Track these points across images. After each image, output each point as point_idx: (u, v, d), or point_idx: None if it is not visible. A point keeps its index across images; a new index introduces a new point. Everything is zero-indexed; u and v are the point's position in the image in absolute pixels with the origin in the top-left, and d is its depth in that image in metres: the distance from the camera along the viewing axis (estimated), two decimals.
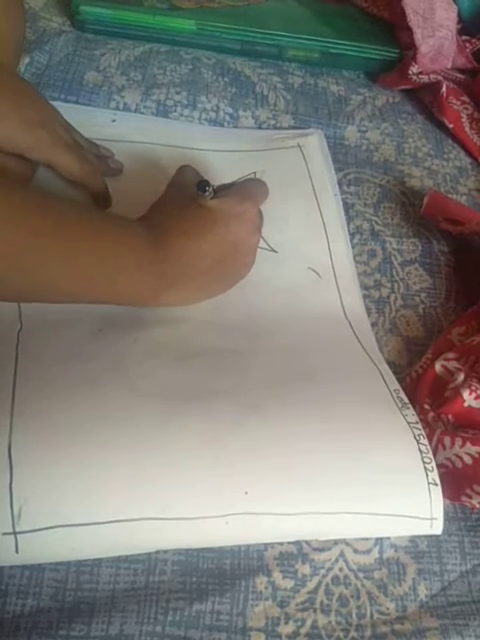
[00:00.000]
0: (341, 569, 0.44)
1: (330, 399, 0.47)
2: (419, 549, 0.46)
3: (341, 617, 0.42)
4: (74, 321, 0.46)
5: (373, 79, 0.76)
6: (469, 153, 0.72)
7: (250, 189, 0.50)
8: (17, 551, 0.36)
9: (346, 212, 0.63)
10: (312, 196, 0.61)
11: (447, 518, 0.45)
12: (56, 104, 0.53)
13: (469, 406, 0.49)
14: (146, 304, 0.46)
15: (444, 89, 0.72)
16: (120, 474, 0.39)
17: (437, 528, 0.43)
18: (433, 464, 0.45)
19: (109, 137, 0.58)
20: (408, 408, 0.48)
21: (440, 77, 0.74)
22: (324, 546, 0.44)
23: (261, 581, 0.42)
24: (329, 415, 0.45)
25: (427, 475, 0.44)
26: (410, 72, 0.71)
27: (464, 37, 0.76)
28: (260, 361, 0.48)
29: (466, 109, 0.74)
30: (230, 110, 0.66)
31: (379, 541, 0.45)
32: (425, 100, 0.75)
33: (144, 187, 0.52)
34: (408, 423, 0.46)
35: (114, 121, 0.61)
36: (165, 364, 0.46)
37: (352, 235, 0.61)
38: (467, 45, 0.76)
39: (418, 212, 0.64)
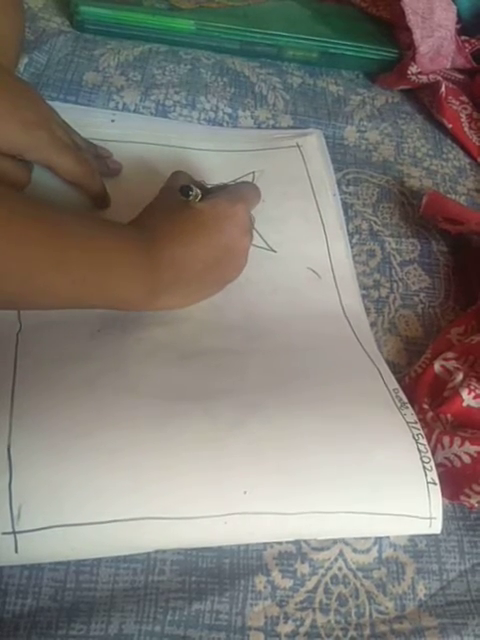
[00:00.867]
0: (340, 568, 0.44)
1: (329, 399, 0.47)
2: (418, 548, 0.46)
3: (340, 616, 0.42)
4: (73, 322, 0.46)
5: (372, 79, 0.76)
6: (468, 153, 0.72)
7: (241, 191, 0.50)
8: (16, 551, 0.37)
9: (345, 212, 0.63)
10: (311, 196, 0.61)
11: (446, 517, 0.45)
12: (55, 104, 0.53)
13: (468, 406, 0.49)
14: (142, 309, 0.46)
15: (443, 89, 0.72)
16: (119, 474, 0.39)
17: (436, 527, 0.44)
18: (432, 463, 0.45)
19: (108, 137, 0.58)
20: (407, 408, 0.48)
21: (439, 77, 0.74)
22: (323, 545, 0.44)
23: (260, 580, 0.42)
24: (328, 415, 0.45)
25: (426, 474, 0.44)
26: (409, 72, 0.72)
27: (463, 37, 0.76)
28: (259, 361, 0.48)
29: (465, 109, 0.74)
30: (229, 110, 0.66)
31: (378, 540, 0.46)
32: (424, 100, 0.75)
33: (142, 187, 0.52)
34: (407, 423, 0.46)
35: (113, 121, 0.61)
36: (165, 364, 0.46)
37: (351, 235, 0.62)
38: (466, 45, 0.76)
39: (417, 212, 0.64)
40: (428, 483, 0.44)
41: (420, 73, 0.72)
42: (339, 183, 0.65)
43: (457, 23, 0.74)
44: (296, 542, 0.44)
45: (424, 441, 0.46)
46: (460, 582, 0.46)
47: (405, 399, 0.49)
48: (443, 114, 0.72)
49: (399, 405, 0.48)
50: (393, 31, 0.75)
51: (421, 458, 0.44)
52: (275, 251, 0.56)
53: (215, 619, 0.41)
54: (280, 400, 0.45)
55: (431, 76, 0.73)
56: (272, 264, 0.55)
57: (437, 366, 0.52)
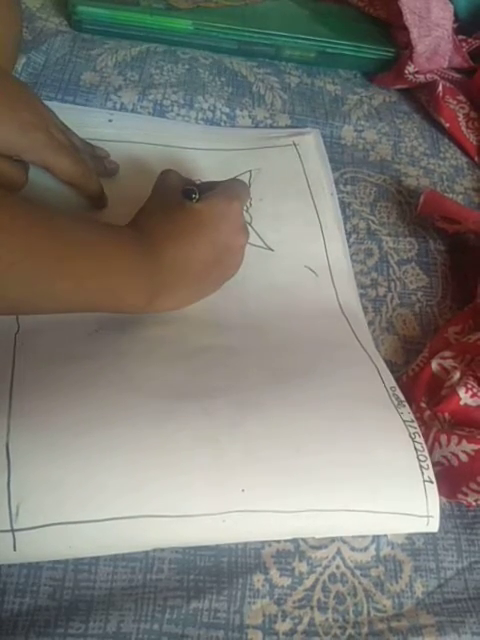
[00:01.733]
0: (338, 567, 0.44)
1: (327, 397, 0.47)
2: (416, 547, 0.46)
3: (338, 614, 0.43)
4: (71, 322, 0.46)
5: (370, 79, 0.76)
6: (465, 152, 0.72)
7: (235, 189, 0.50)
8: (15, 549, 0.37)
9: (343, 211, 0.63)
10: (308, 194, 0.61)
11: (443, 516, 0.45)
12: (53, 104, 0.53)
13: (465, 404, 0.49)
14: (143, 312, 0.46)
15: (440, 88, 0.72)
16: (118, 472, 0.39)
17: (433, 526, 0.44)
18: (428, 462, 0.45)
19: (105, 137, 0.58)
20: (404, 406, 0.48)
21: (436, 76, 0.74)
22: (321, 544, 0.44)
23: (258, 579, 0.42)
24: (326, 413, 0.46)
25: (422, 473, 0.44)
26: (406, 71, 0.72)
27: (460, 36, 0.77)
28: (257, 359, 0.48)
29: (462, 108, 0.74)
30: (227, 110, 0.67)
31: (376, 539, 0.46)
32: (421, 99, 0.75)
33: (140, 187, 0.52)
34: (404, 421, 0.46)
35: (111, 121, 0.61)
36: (163, 362, 0.46)
37: (349, 234, 0.62)
38: (463, 44, 0.77)
39: (414, 211, 0.64)
40: (425, 482, 0.44)
41: (417, 72, 0.72)
42: (337, 182, 0.65)
43: (454, 22, 0.74)
44: (294, 540, 0.44)
45: (421, 440, 0.46)
46: (458, 580, 0.46)
47: (402, 397, 0.49)
48: (440, 113, 0.72)
49: (396, 403, 0.48)
50: (390, 30, 0.75)
51: (417, 457, 0.45)
52: (272, 250, 0.56)
53: (213, 617, 0.41)
54: (278, 399, 0.46)
55: (428, 75, 0.73)
56: (269, 263, 0.55)
57: (434, 365, 0.52)
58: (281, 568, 0.43)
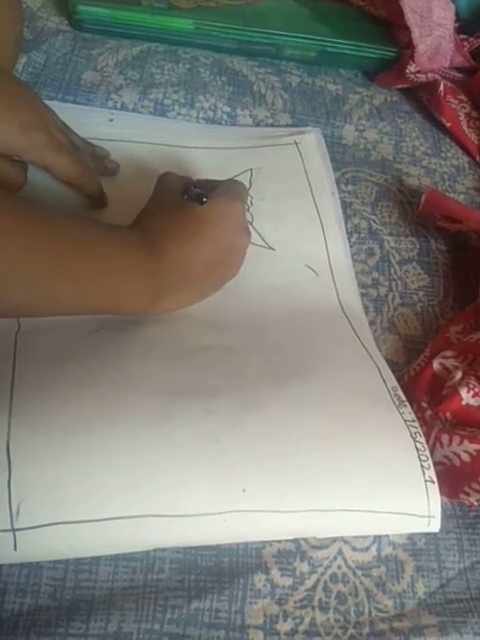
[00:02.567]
0: (339, 567, 0.44)
1: (328, 396, 0.47)
2: (417, 547, 0.46)
3: (339, 615, 0.42)
4: (72, 322, 0.46)
5: (371, 78, 0.76)
6: (467, 152, 0.72)
7: (236, 190, 0.50)
8: (15, 548, 0.37)
9: (344, 211, 0.63)
10: (308, 194, 0.61)
11: (445, 516, 0.45)
12: (53, 104, 0.53)
13: (467, 404, 0.49)
14: (145, 314, 0.46)
15: (442, 88, 0.72)
16: (119, 471, 0.39)
17: (435, 526, 0.44)
18: (430, 462, 0.45)
19: (106, 137, 0.58)
20: (405, 406, 0.48)
21: (438, 76, 0.74)
22: (322, 544, 0.44)
23: (259, 579, 0.42)
24: (327, 413, 0.46)
25: (424, 473, 0.44)
26: (408, 71, 0.72)
27: (462, 36, 0.77)
28: (258, 358, 0.48)
29: (464, 108, 0.74)
30: (228, 109, 0.67)
31: (377, 539, 0.46)
32: (423, 99, 0.75)
33: (140, 187, 0.52)
34: (405, 421, 0.46)
35: (111, 121, 0.61)
36: (163, 362, 0.46)
37: (350, 234, 0.62)
38: (465, 44, 0.76)
39: (416, 211, 0.64)
40: (426, 481, 0.44)
41: (419, 72, 0.72)
42: (338, 182, 0.65)
43: (455, 22, 0.74)
44: (295, 540, 0.44)
45: (422, 439, 0.46)
46: (459, 580, 0.46)
47: (403, 397, 0.49)
48: (442, 113, 0.72)
49: (397, 403, 0.48)
50: (391, 30, 0.75)
51: (419, 456, 0.44)
52: (273, 249, 0.56)
53: (214, 617, 0.40)
54: (279, 398, 0.46)
55: (430, 75, 0.73)
56: (270, 262, 0.55)
57: (436, 364, 0.52)
58: (282, 568, 0.43)
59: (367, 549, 0.45)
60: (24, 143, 0.46)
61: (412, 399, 0.50)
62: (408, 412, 0.47)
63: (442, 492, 0.44)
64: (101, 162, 0.56)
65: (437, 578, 0.45)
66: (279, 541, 0.44)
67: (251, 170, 0.60)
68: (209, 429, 0.42)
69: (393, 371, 0.52)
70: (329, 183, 0.63)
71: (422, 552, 0.46)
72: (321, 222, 0.60)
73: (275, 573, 0.43)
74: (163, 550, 0.42)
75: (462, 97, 0.74)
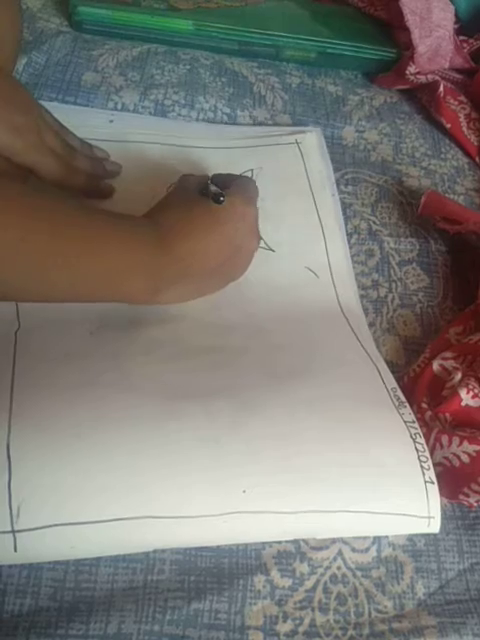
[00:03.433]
0: (339, 568, 0.44)
1: (328, 398, 0.47)
2: (417, 548, 0.46)
3: (339, 616, 0.42)
4: (72, 320, 0.46)
5: (371, 79, 0.76)
6: (466, 153, 0.72)
7: (251, 191, 0.51)
8: (16, 550, 0.37)
9: (344, 212, 0.63)
10: (309, 194, 0.61)
11: (445, 517, 0.45)
12: (54, 105, 0.53)
13: (466, 405, 0.49)
14: (143, 303, 0.46)
15: (441, 89, 0.72)
16: (119, 473, 0.39)
17: (434, 527, 0.44)
18: (429, 463, 0.45)
19: (106, 137, 0.58)
20: (405, 407, 0.48)
21: (437, 77, 0.74)
22: (322, 545, 0.44)
23: (259, 580, 0.42)
24: (327, 414, 0.46)
25: (424, 474, 0.44)
26: (407, 72, 0.72)
27: (461, 37, 0.77)
28: (258, 360, 0.48)
29: (463, 109, 0.74)
30: (228, 110, 0.67)
31: (377, 540, 0.46)
32: (423, 100, 0.75)
33: (142, 186, 0.52)
34: (405, 422, 0.46)
35: (112, 122, 0.61)
36: (163, 362, 0.46)
37: (350, 235, 0.62)
38: (464, 45, 0.77)
39: (416, 212, 0.64)
40: (426, 482, 0.44)
41: (418, 73, 0.72)
42: (338, 183, 0.65)
43: (455, 23, 0.74)
44: (295, 541, 0.44)
45: (422, 440, 0.46)
46: (459, 581, 0.46)
47: (403, 398, 0.49)
48: (441, 114, 0.72)
49: (397, 404, 0.48)
50: (391, 31, 0.75)
51: (418, 457, 0.44)
52: (273, 250, 0.56)
53: (214, 618, 0.41)
54: (279, 399, 0.46)
55: (429, 76, 0.73)
56: (270, 263, 0.55)
57: (436, 366, 0.52)
58: (282, 569, 0.43)
59: (367, 550, 0.45)
60: (14, 146, 0.46)
61: (412, 400, 0.50)
62: (408, 413, 0.48)
63: (442, 493, 0.44)
64: (100, 164, 0.56)
65: (437, 579, 0.45)
66: (279, 542, 0.44)
67: (252, 170, 0.60)
68: (209, 431, 0.42)
69: (393, 372, 0.52)
70: (329, 184, 0.63)
71: (422, 553, 0.46)
72: (321, 223, 0.60)
73: (275, 574, 0.43)
74: (163, 551, 0.42)
75: (462, 98, 0.74)
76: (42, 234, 0.37)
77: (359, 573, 0.44)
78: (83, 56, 0.66)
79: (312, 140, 0.65)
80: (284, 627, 0.41)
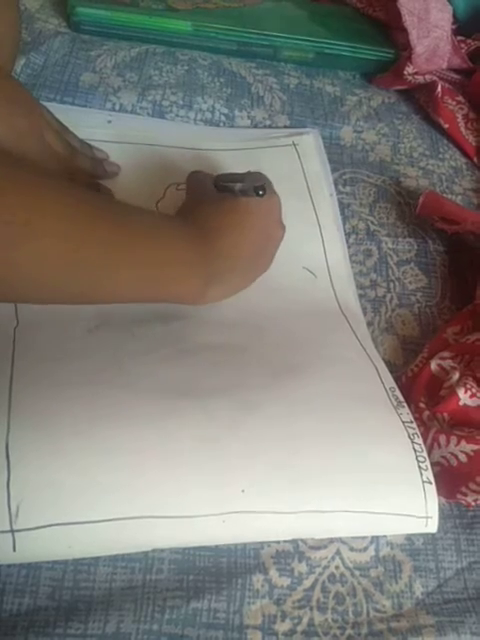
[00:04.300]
0: (337, 567, 0.44)
1: (326, 397, 0.47)
2: (415, 547, 0.46)
3: (337, 615, 0.43)
4: (71, 318, 0.47)
5: (369, 80, 0.76)
6: (464, 153, 0.73)
7: (271, 184, 0.52)
8: (14, 549, 0.37)
9: (342, 212, 0.63)
10: (307, 195, 0.61)
11: (443, 516, 0.45)
12: (52, 105, 0.53)
13: (464, 405, 0.49)
14: (192, 302, 0.46)
15: (439, 89, 0.72)
16: (118, 472, 0.39)
17: (432, 526, 0.44)
18: (427, 463, 0.45)
19: (104, 138, 0.58)
20: (403, 407, 0.48)
21: (435, 77, 0.74)
22: (320, 544, 0.44)
23: (258, 579, 0.42)
24: (325, 414, 0.46)
25: (421, 474, 0.44)
26: (405, 72, 0.72)
27: (459, 37, 0.77)
28: (257, 359, 0.48)
29: (461, 109, 0.74)
30: (226, 111, 0.67)
31: (375, 539, 0.46)
32: (420, 100, 0.75)
33: (140, 187, 0.52)
34: (403, 422, 0.46)
35: (110, 122, 0.61)
36: (162, 361, 0.46)
37: (348, 235, 0.62)
38: (462, 45, 0.77)
39: (414, 212, 0.64)
40: (424, 482, 0.44)
41: (416, 73, 0.72)
42: (336, 183, 0.65)
43: (453, 23, 0.74)
44: (293, 541, 0.44)
45: (419, 440, 0.46)
46: (457, 580, 0.46)
47: (401, 398, 0.49)
48: (439, 114, 0.72)
49: (395, 404, 0.48)
50: (389, 32, 0.76)
51: (416, 457, 0.45)
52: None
53: (213, 617, 0.41)
54: (277, 399, 0.46)
55: (427, 76, 0.74)
56: None
57: (433, 365, 0.52)
58: (280, 568, 0.43)
59: (365, 549, 0.45)
60: (18, 147, 0.46)
61: (410, 400, 0.50)
62: (406, 413, 0.48)
63: (440, 493, 0.44)
64: (100, 165, 0.56)
65: (435, 578, 0.46)
66: (277, 542, 0.44)
67: (248, 172, 0.60)
68: (208, 430, 0.42)
69: (391, 372, 0.52)
70: (327, 184, 0.63)
71: (420, 552, 0.46)
72: (319, 224, 0.60)
73: (273, 573, 0.43)
74: (162, 550, 0.42)
75: (460, 98, 0.75)
76: (107, 239, 0.37)
77: (357, 572, 0.44)
78: (81, 57, 0.66)
79: (309, 141, 0.65)
80: (282, 626, 0.41)
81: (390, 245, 0.62)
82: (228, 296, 0.49)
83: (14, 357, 0.43)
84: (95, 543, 0.39)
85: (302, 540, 0.44)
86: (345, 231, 0.62)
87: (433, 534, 0.46)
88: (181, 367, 0.46)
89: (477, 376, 0.50)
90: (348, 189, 0.65)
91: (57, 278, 0.35)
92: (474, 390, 0.49)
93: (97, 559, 0.41)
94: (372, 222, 0.64)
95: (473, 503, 0.46)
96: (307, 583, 0.43)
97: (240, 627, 0.41)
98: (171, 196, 0.51)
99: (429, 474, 0.44)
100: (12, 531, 0.36)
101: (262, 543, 0.44)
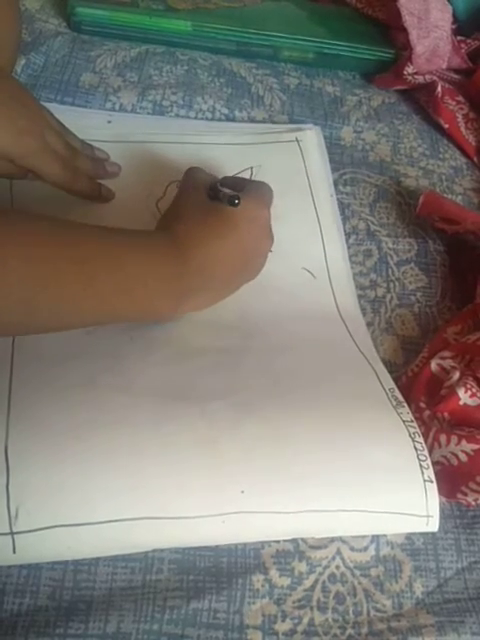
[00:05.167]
0: (338, 567, 0.44)
1: (325, 398, 0.47)
2: (415, 546, 0.46)
3: (338, 614, 0.43)
4: None
5: (369, 80, 0.76)
6: (464, 153, 0.73)
7: (264, 193, 0.51)
8: (14, 551, 0.37)
9: (342, 212, 0.63)
10: (308, 193, 0.61)
11: (443, 516, 0.45)
12: (52, 106, 0.53)
13: (464, 404, 0.49)
14: (168, 316, 0.46)
15: (439, 89, 0.72)
16: (117, 474, 0.39)
17: (433, 525, 0.44)
18: (428, 462, 0.45)
19: (105, 138, 0.58)
20: (403, 406, 0.48)
21: (435, 77, 0.74)
22: (320, 544, 0.44)
23: (258, 579, 0.42)
24: (324, 415, 0.46)
25: (422, 473, 0.44)
26: (405, 72, 0.72)
27: (459, 37, 0.77)
28: (255, 361, 0.48)
29: (461, 109, 0.74)
30: (226, 111, 0.67)
31: (375, 539, 0.46)
32: (420, 100, 0.75)
33: (140, 186, 0.52)
34: (403, 422, 0.46)
35: (110, 122, 0.61)
36: (161, 363, 0.46)
37: (348, 235, 0.62)
38: (462, 45, 0.77)
39: (414, 212, 0.64)
40: (425, 481, 0.44)
41: (416, 73, 0.72)
42: (336, 183, 0.65)
43: (453, 23, 0.74)
44: (293, 541, 0.44)
45: (420, 439, 0.46)
46: (457, 580, 0.46)
47: (401, 398, 0.49)
48: (439, 114, 0.72)
49: (395, 404, 0.48)
50: (389, 32, 0.75)
51: (417, 456, 0.45)
52: (271, 251, 0.56)
53: (213, 618, 0.41)
54: (276, 400, 0.46)
55: (427, 76, 0.74)
56: (268, 264, 0.55)
57: (434, 365, 0.52)
58: (281, 568, 0.43)
59: (365, 549, 0.45)
60: (17, 150, 0.46)
61: (410, 399, 0.50)
62: (406, 412, 0.48)
63: (440, 492, 0.44)
64: (101, 165, 0.56)
65: (435, 578, 0.46)
66: (277, 541, 0.44)
67: (251, 168, 0.60)
68: (207, 431, 0.42)
69: (391, 371, 0.52)
70: (328, 184, 0.63)
71: (420, 552, 0.46)
72: (319, 223, 0.60)
73: (273, 573, 0.43)
74: (162, 551, 0.42)
75: (460, 98, 0.74)
76: (68, 276, 0.37)
77: (358, 572, 0.44)
78: (81, 57, 0.66)
79: (312, 138, 0.65)
80: (283, 626, 0.41)
81: (390, 245, 0.62)
82: (204, 308, 0.48)
83: (13, 359, 0.43)
84: (95, 544, 0.39)
85: (302, 540, 0.44)
86: (345, 231, 0.62)
87: (433, 533, 0.46)
88: (179, 369, 0.46)
89: (477, 376, 0.50)
90: (348, 189, 0.65)
91: (17, 316, 0.35)
92: (474, 390, 0.49)
93: (97, 559, 0.41)
94: (372, 222, 0.64)
95: (473, 503, 0.46)
96: (307, 583, 0.43)
97: (240, 627, 0.41)
98: (172, 195, 0.51)
99: (430, 473, 0.44)
100: (12, 533, 0.36)
101: (262, 543, 0.44)
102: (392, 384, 0.50)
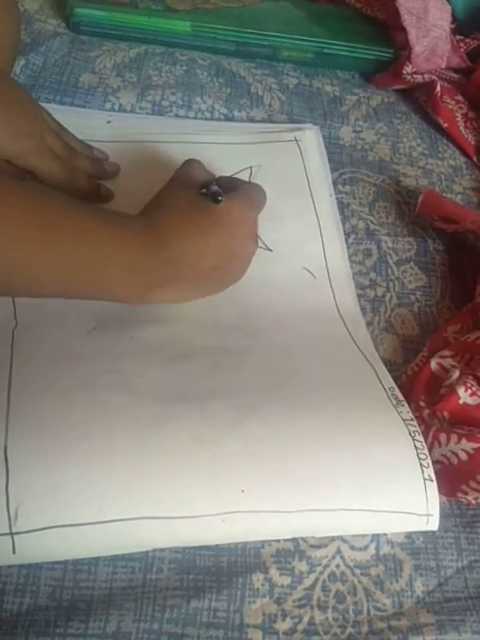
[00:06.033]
0: (338, 566, 0.44)
1: (325, 398, 0.47)
2: (415, 545, 0.46)
3: (338, 613, 0.42)
4: (69, 319, 0.47)
5: (368, 79, 0.76)
6: (464, 152, 0.73)
7: (254, 197, 0.50)
8: (14, 552, 0.37)
9: (341, 212, 0.63)
10: (308, 193, 0.61)
11: (443, 514, 0.45)
12: (51, 106, 0.53)
13: (464, 403, 0.49)
14: (133, 303, 0.45)
15: (438, 89, 0.72)
16: (117, 474, 0.39)
17: (433, 524, 0.44)
18: (428, 460, 0.45)
19: (104, 138, 0.58)
20: (403, 405, 0.48)
21: (434, 77, 0.74)
22: (321, 543, 0.44)
23: (258, 578, 0.42)
24: (324, 414, 0.46)
25: (423, 471, 0.44)
26: (404, 72, 0.72)
27: (458, 37, 0.77)
28: (255, 360, 0.48)
29: (460, 108, 0.74)
30: (225, 111, 0.67)
31: (375, 538, 0.46)
32: (420, 100, 0.75)
33: (141, 186, 0.52)
34: (403, 420, 0.46)
35: (109, 122, 0.61)
36: (161, 363, 0.46)
37: (347, 235, 0.62)
38: (461, 45, 0.77)
39: (413, 211, 0.64)
40: (425, 480, 0.44)
41: (415, 73, 0.72)
42: (335, 183, 0.65)
43: (452, 23, 0.74)
44: (294, 540, 0.44)
45: (421, 438, 0.46)
46: (457, 579, 0.46)
47: (401, 397, 0.49)
48: (438, 113, 0.72)
49: (395, 403, 0.48)
50: (388, 31, 0.75)
51: (417, 455, 0.45)
52: (271, 250, 0.56)
53: (213, 617, 0.41)
54: (276, 400, 0.46)
55: (426, 76, 0.74)
56: (268, 263, 0.55)
57: (433, 364, 0.52)
58: (281, 567, 0.43)
59: (365, 548, 0.45)
60: (15, 151, 0.46)
61: (410, 398, 0.50)
62: (406, 411, 0.48)
63: (440, 491, 0.44)
64: (100, 165, 0.56)
65: (435, 577, 0.46)
66: (278, 540, 0.44)
67: (251, 168, 0.60)
68: (208, 431, 0.42)
69: (391, 371, 0.52)
70: (327, 184, 0.63)
71: (420, 551, 0.46)
72: (319, 223, 0.59)
73: (274, 572, 0.43)
74: (162, 550, 0.42)
75: (459, 98, 0.75)
76: (30, 241, 0.37)
77: (358, 571, 0.44)
78: (80, 57, 0.66)
79: (311, 137, 0.65)
80: (283, 625, 0.41)
81: (389, 244, 0.62)
82: (180, 301, 0.48)
83: (13, 358, 0.43)
84: (95, 544, 0.39)
85: (302, 539, 0.44)
86: (345, 231, 0.62)
87: (434, 532, 0.46)
88: (179, 369, 0.46)
89: (477, 374, 0.50)
90: (347, 189, 0.65)
91: None
92: (474, 388, 0.49)
93: (97, 559, 0.41)
94: (371, 221, 0.64)
95: (474, 501, 0.46)
96: (308, 582, 0.43)
97: (240, 626, 0.41)
98: None
99: (430, 471, 0.44)
100: (11, 534, 0.36)
101: (262, 542, 0.44)
102: (392, 383, 0.50)
